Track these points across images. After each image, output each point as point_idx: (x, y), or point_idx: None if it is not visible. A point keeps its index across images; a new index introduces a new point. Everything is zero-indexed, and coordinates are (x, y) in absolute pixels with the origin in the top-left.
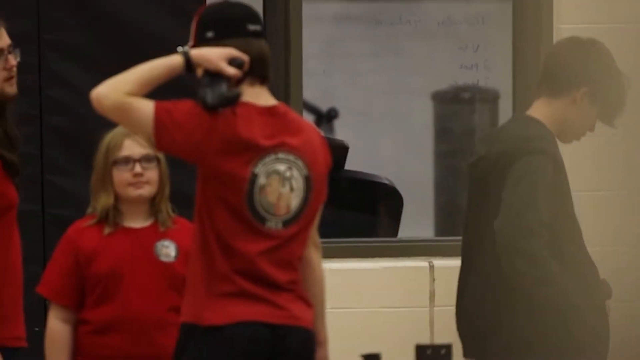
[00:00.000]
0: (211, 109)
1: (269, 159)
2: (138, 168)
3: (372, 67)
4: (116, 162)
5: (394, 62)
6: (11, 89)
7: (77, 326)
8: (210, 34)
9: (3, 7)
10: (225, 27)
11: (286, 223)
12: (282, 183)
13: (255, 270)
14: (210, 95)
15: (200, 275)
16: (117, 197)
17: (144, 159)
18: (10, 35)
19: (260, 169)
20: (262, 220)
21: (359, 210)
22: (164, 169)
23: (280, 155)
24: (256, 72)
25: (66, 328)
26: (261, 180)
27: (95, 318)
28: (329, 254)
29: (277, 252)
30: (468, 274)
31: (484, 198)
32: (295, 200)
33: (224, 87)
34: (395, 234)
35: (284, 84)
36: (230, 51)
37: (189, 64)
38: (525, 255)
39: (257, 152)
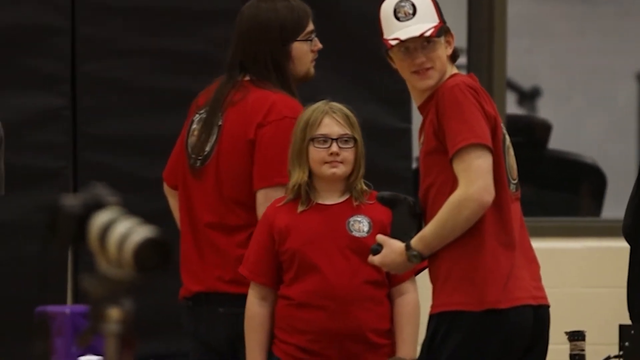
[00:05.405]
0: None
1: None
2: (335, 147)
3: (576, 47)
4: (313, 139)
5: (599, 42)
6: (313, 70)
7: (278, 301)
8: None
9: None
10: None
11: (517, 187)
12: (508, 146)
13: (520, 242)
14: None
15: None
16: (311, 174)
17: (342, 139)
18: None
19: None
20: (509, 183)
21: (562, 190)
22: (361, 149)
23: None
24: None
25: (263, 306)
26: (507, 141)
27: (294, 294)
28: (531, 233)
29: (523, 220)
30: None
31: None
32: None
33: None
34: (598, 213)
35: (487, 62)
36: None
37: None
38: None
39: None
